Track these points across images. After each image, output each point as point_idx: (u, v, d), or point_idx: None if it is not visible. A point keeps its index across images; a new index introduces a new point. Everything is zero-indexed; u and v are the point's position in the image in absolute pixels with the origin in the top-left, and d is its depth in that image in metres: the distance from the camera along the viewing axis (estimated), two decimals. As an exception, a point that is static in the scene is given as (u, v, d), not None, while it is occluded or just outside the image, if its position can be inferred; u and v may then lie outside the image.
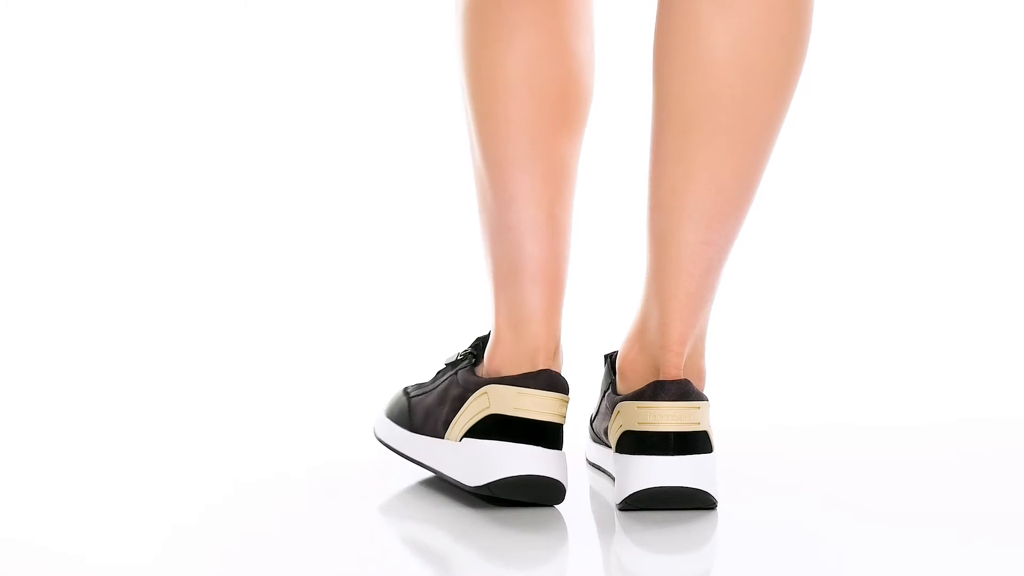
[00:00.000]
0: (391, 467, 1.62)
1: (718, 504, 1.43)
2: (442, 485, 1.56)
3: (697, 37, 1.40)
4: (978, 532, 1.38)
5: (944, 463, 1.67)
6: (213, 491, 1.59)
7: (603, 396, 1.59)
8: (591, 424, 1.63)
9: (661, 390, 1.42)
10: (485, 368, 1.51)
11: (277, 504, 1.53)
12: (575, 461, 1.64)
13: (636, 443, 1.42)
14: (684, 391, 1.42)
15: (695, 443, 1.42)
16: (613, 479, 1.49)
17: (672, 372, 1.44)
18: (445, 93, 2.75)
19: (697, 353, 1.48)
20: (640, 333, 1.51)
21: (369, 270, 2.69)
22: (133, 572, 1.34)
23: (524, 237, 1.48)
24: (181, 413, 1.98)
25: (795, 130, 2.94)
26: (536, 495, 1.44)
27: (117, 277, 2.71)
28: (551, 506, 1.46)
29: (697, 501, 1.42)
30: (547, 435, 1.44)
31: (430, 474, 1.58)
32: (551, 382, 1.46)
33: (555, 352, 1.50)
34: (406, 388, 1.60)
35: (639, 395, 1.43)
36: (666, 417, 1.42)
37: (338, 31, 2.91)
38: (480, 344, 1.55)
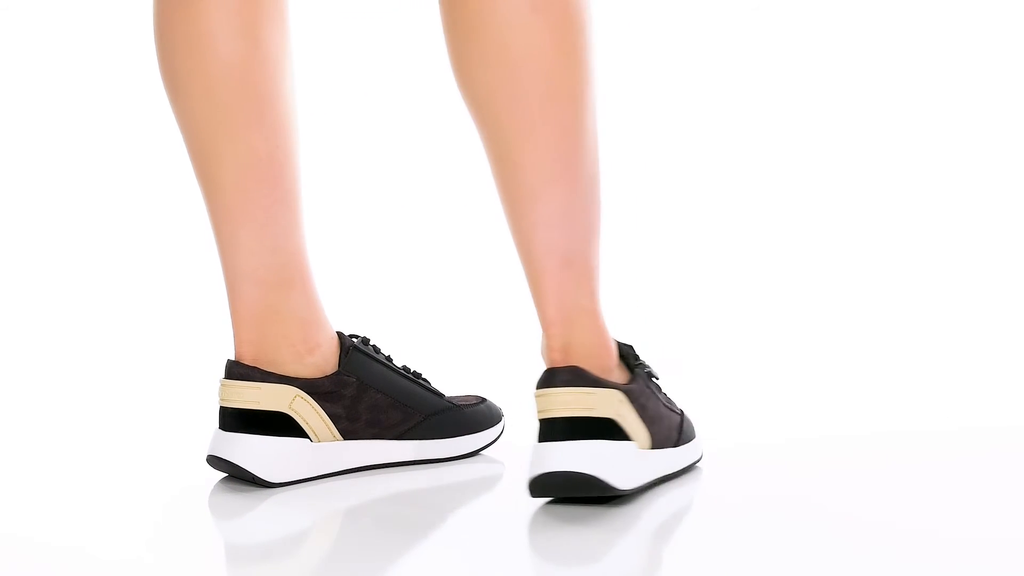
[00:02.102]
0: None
1: (627, 493, 1.43)
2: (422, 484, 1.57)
3: (457, 66, 1.48)
4: (976, 538, 1.37)
5: (938, 471, 1.66)
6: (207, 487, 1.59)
7: None
8: None
9: (552, 377, 1.44)
10: None
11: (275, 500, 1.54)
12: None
13: (539, 430, 1.44)
14: (572, 376, 1.43)
15: (588, 429, 1.42)
16: None
17: (554, 356, 1.46)
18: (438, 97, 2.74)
19: (587, 331, 1.47)
20: None
21: (363, 271, 2.69)
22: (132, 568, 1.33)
23: None
24: (181, 412, 1.98)
25: (793, 134, 2.96)
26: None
27: (114, 277, 2.71)
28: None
29: (594, 488, 1.41)
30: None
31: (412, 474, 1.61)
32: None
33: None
34: None
35: (537, 383, 1.45)
36: (557, 404, 1.43)
37: (330, 34, 2.91)
38: None
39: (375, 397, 1.62)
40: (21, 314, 2.58)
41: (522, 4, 1.42)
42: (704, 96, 3.02)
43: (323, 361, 1.60)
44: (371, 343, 1.65)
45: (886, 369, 2.19)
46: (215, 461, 1.57)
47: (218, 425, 1.58)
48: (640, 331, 2.39)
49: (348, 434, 1.60)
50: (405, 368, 1.66)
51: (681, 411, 1.55)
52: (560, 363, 1.46)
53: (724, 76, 3.02)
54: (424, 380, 1.66)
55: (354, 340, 1.63)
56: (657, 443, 1.48)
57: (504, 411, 1.71)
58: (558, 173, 1.45)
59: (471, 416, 1.67)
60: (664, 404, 1.51)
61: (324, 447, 1.59)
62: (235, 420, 1.56)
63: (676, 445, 1.51)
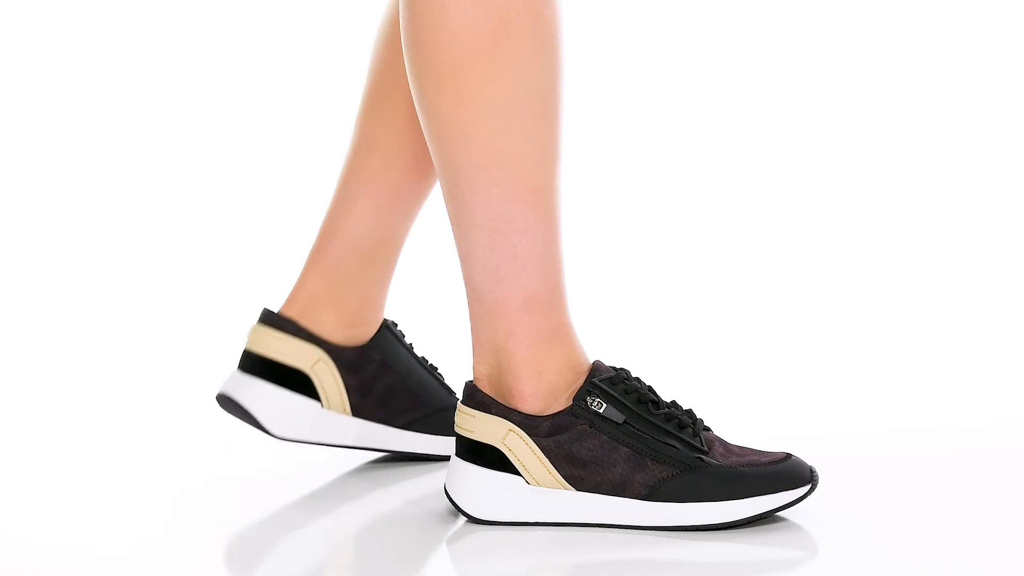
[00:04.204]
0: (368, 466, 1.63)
1: (469, 516, 1.42)
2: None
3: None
4: (978, 537, 1.37)
5: (942, 467, 1.66)
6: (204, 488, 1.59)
7: None
8: None
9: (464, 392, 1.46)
10: None
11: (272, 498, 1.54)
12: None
13: None
14: (465, 394, 1.44)
15: (471, 451, 1.43)
16: None
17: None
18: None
19: (498, 367, 1.44)
20: None
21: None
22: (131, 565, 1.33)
23: None
24: (180, 412, 1.97)
25: (793, 134, 2.96)
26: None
27: (114, 277, 2.71)
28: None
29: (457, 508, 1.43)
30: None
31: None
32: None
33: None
34: None
35: None
36: (456, 419, 1.45)
37: (334, 33, 2.91)
38: None
39: (391, 380, 1.62)
40: (23, 315, 2.57)
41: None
42: (703, 96, 3.02)
43: (359, 336, 1.61)
44: (398, 327, 1.65)
45: (887, 367, 2.19)
46: (225, 402, 1.57)
47: (238, 365, 1.58)
48: (641, 332, 2.40)
49: (357, 410, 1.60)
50: (423, 359, 1.65)
51: (683, 468, 1.40)
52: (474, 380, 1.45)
53: (723, 76, 3.02)
54: (439, 375, 1.66)
55: (386, 320, 1.63)
56: (587, 487, 1.41)
57: None
58: (455, 213, 1.42)
59: None
60: (632, 449, 1.40)
61: (331, 416, 1.59)
62: (256, 365, 1.57)
63: (643, 499, 1.40)
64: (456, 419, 1.44)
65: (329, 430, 1.60)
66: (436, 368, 1.66)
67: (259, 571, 1.34)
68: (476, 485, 1.42)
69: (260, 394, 1.56)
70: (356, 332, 1.61)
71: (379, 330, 1.62)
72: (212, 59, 2.97)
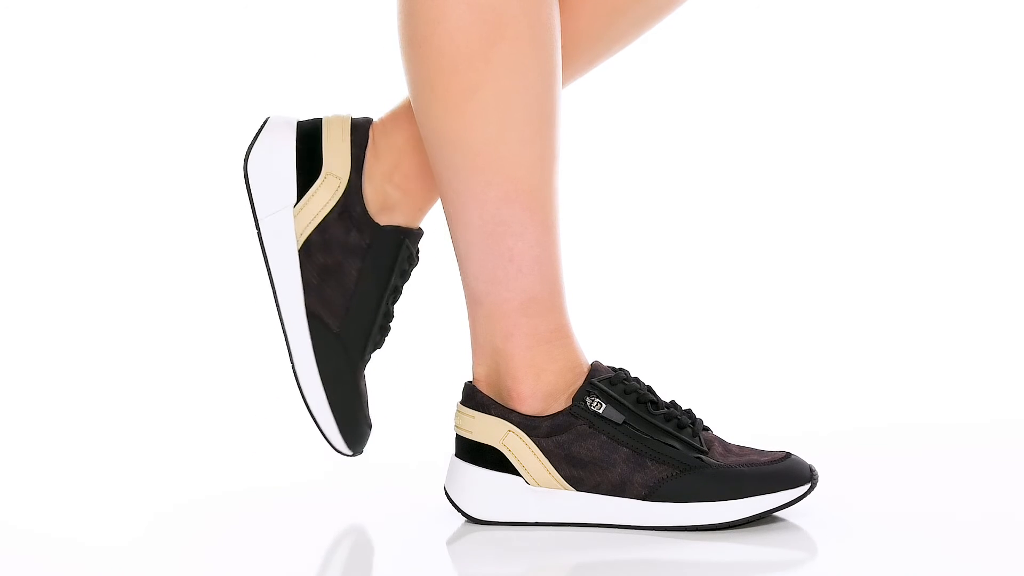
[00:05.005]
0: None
1: (469, 516, 1.42)
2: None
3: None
4: (976, 536, 1.38)
5: (942, 467, 1.66)
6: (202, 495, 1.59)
7: None
8: None
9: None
10: None
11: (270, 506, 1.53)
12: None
13: None
14: (465, 395, 1.44)
15: (470, 451, 1.43)
16: None
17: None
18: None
19: (495, 369, 1.44)
20: None
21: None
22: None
23: None
24: (179, 416, 1.97)
25: (793, 134, 2.96)
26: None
27: (116, 279, 2.71)
28: None
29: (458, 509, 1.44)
30: None
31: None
32: None
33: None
34: None
35: None
36: (456, 419, 1.45)
37: (339, 32, 2.90)
38: None
39: (348, 272, 1.47)
40: (24, 316, 2.58)
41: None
42: (700, 96, 3.02)
43: (391, 199, 1.50)
44: (418, 256, 1.51)
45: (887, 366, 2.19)
46: (254, 136, 1.51)
47: (296, 120, 1.51)
48: (644, 332, 2.40)
49: (305, 250, 1.46)
50: (389, 314, 1.50)
51: (683, 468, 1.40)
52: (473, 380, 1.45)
53: (721, 76, 3.02)
54: (379, 339, 1.50)
55: (420, 236, 1.51)
56: (586, 487, 1.41)
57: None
58: (451, 214, 1.42)
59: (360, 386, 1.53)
60: (632, 450, 1.40)
61: (287, 224, 1.48)
62: (302, 134, 1.49)
63: (643, 499, 1.40)
64: (456, 420, 1.44)
65: (275, 229, 1.48)
66: (387, 332, 1.50)
67: (258, 571, 1.34)
68: (476, 485, 1.42)
69: (278, 153, 1.48)
70: (391, 194, 1.48)
71: (411, 236, 1.49)
72: (212, 57, 2.97)
